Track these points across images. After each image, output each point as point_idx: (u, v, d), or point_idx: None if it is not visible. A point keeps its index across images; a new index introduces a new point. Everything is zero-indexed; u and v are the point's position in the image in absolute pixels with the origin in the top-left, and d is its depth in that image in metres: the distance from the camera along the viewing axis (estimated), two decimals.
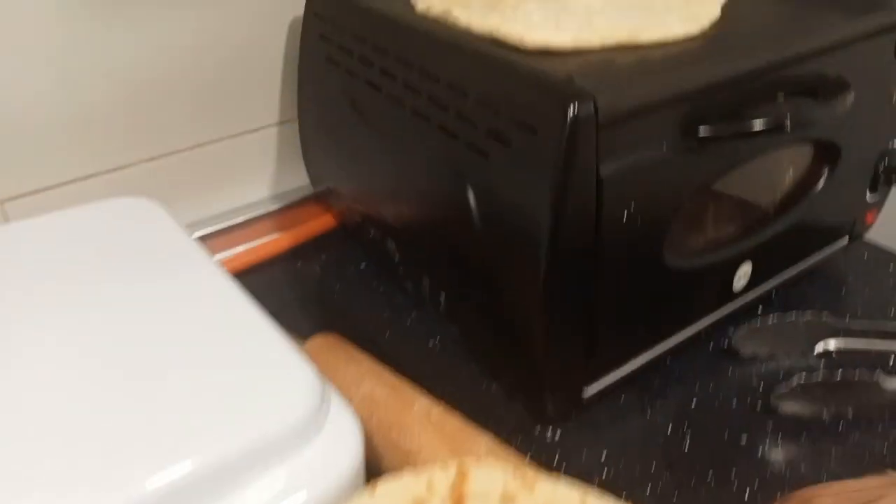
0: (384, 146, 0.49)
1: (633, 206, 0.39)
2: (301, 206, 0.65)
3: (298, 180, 0.65)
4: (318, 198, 0.65)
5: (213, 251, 0.61)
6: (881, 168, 0.56)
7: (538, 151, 0.36)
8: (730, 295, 0.50)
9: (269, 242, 0.63)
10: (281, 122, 0.62)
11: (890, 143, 0.56)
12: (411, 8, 0.50)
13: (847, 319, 0.53)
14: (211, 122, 0.59)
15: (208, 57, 0.56)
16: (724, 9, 0.48)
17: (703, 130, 0.39)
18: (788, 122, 0.39)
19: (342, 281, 0.60)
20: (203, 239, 0.61)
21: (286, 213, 0.65)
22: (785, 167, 0.50)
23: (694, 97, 0.39)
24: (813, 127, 0.45)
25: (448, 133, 0.42)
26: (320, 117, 0.57)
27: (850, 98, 0.43)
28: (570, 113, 0.34)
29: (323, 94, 0.55)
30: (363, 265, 0.62)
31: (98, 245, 0.41)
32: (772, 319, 0.51)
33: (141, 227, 0.43)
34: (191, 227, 0.61)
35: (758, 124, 0.39)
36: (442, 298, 0.50)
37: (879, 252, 0.64)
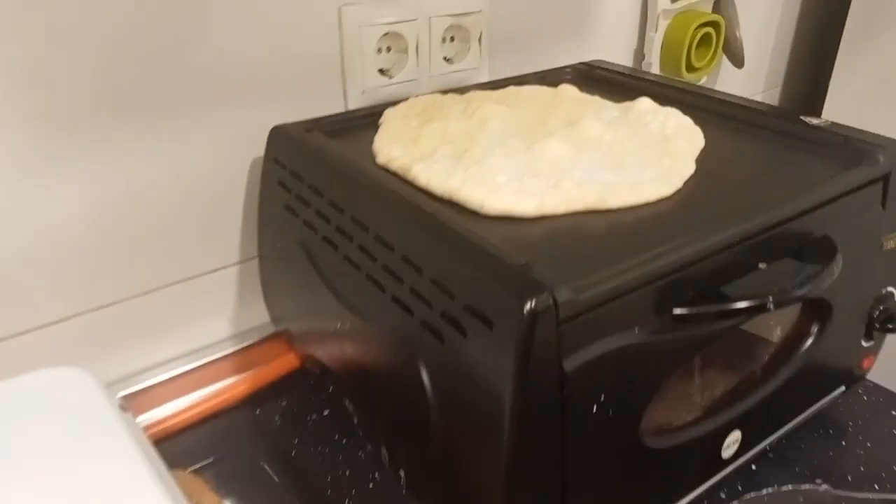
0: (339, 304, 0.45)
1: (603, 396, 0.35)
2: (263, 343, 0.61)
3: (260, 317, 0.61)
4: (280, 335, 0.62)
5: (169, 398, 0.57)
6: (875, 315, 0.53)
7: (495, 346, 0.33)
8: (719, 463, 0.46)
9: (227, 388, 0.58)
10: (242, 261, 0.59)
11: (883, 288, 0.53)
12: (372, 158, 0.48)
13: (849, 478, 0.49)
14: (168, 264, 0.56)
15: (163, 201, 0.53)
16: (700, 161, 0.46)
17: (678, 312, 0.36)
18: (772, 304, 0.36)
19: (302, 431, 0.56)
20: (157, 386, 0.57)
21: (247, 352, 0.61)
22: (772, 327, 0.46)
23: (667, 276, 0.36)
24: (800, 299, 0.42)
25: (402, 306, 0.38)
26: (279, 261, 0.54)
27: (838, 265, 0.40)
28: (527, 309, 0.31)
29: (281, 239, 0.52)
30: (326, 412, 0.57)
31: (10, 429, 0.37)
32: (766, 494, 0.46)
33: (63, 406, 0.39)
34: (145, 372, 0.58)
35: (739, 305, 0.36)
36: (402, 473, 0.45)
37: (880, 393, 0.60)
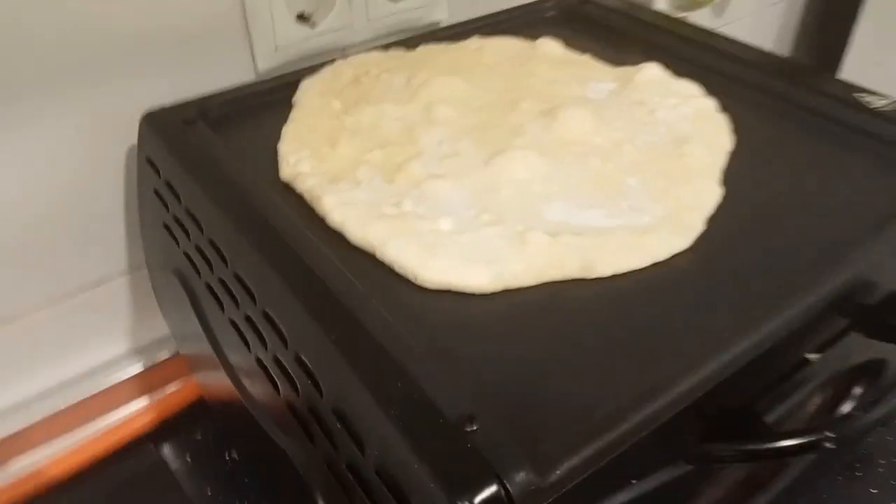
0: (226, 375, 0.33)
1: None
2: (168, 362, 0.50)
3: (163, 330, 0.49)
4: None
5: (51, 438, 0.46)
6: None
7: None
8: None
9: (124, 421, 0.48)
10: (134, 269, 0.46)
11: None
12: (274, 166, 0.34)
13: None
14: (37, 283, 0.43)
15: (22, 207, 0.40)
16: (727, 178, 0.33)
17: (697, 453, 0.25)
18: (831, 443, 0.24)
19: (218, 477, 0.46)
20: (37, 425, 0.46)
21: (148, 374, 0.49)
22: None
23: (683, 403, 0.24)
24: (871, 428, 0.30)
25: (300, 423, 0.27)
26: (165, 283, 0.41)
27: None
28: None
29: (162, 263, 0.39)
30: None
31: None
32: None
33: None
34: (21, 410, 0.46)
35: (783, 444, 0.25)
36: None
37: None
